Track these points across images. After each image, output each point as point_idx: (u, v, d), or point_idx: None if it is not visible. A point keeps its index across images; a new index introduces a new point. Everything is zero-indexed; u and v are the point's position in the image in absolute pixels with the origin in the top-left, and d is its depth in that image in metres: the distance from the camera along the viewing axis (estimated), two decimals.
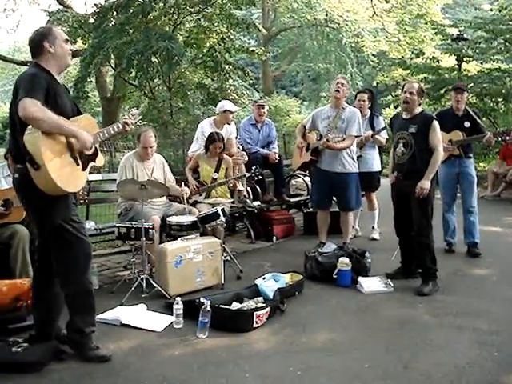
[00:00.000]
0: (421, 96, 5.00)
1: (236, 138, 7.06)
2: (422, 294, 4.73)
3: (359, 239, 6.91)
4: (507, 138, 6.08)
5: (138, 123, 4.10)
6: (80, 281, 3.42)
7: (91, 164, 3.56)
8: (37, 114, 3.06)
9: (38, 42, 3.36)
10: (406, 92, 4.97)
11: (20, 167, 3.23)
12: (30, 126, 3.14)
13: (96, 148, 3.60)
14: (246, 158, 6.82)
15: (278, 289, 4.53)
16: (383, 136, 6.82)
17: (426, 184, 4.82)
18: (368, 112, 6.77)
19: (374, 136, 6.63)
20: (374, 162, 6.79)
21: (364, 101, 6.73)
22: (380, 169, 7.00)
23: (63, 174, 3.21)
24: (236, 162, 6.54)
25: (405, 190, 4.99)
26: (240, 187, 6.31)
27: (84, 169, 3.47)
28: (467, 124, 5.97)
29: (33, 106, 3.06)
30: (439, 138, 4.93)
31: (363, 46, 21.62)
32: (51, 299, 3.50)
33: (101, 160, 3.70)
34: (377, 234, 6.96)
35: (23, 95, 3.09)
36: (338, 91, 5.85)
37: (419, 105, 5.06)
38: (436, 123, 4.93)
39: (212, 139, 6.11)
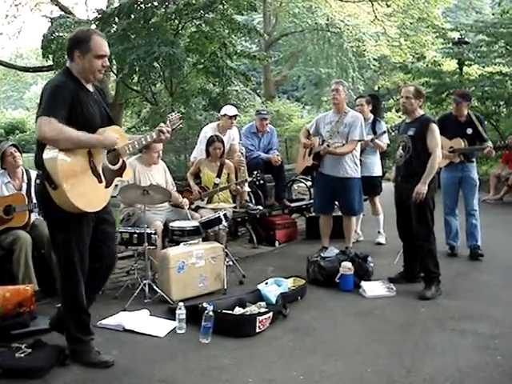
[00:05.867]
0: (418, 98, 5.00)
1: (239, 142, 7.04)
2: (424, 298, 4.72)
3: (362, 243, 6.90)
4: (507, 152, 6.15)
5: (177, 127, 3.81)
6: (74, 295, 3.36)
7: (117, 179, 3.46)
8: (50, 133, 3.00)
9: (70, 47, 3.25)
10: (402, 97, 5.00)
11: (41, 176, 3.18)
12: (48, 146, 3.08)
13: (124, 162, 3.49)
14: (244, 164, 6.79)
15: (281, 293, 4.53)
16: (384, 141, 6.81)
17: (422, 188, 4.80)
18: (371, 116, 6.77)
19: (374, 140, 6.64)
20: (375, 166, 6.79)
21: (362, 105, 6.75)
22: (381, 173, 7.01)
23: (82, 194, 3.12)
24: (239, 168, 6.53)
25: (404, 193, 4.99)
26: (246, 188, 6.33)
27: (108, 185, 3.36)
28: (469, 131, 5.98)
29: (47, 126, 2.99)
30: (437, 141, 4.91)
31: (364, 51, 21.64)
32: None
33: (128, 173, 3.58)
34: (382, 239, 6.92)
35: (41, 113, 3.04)
36: (336, 98, 5.91)
37: (419, 107, 5.07)
38: (434, 126, 4.92)
39: (211, 141, 6.15)
